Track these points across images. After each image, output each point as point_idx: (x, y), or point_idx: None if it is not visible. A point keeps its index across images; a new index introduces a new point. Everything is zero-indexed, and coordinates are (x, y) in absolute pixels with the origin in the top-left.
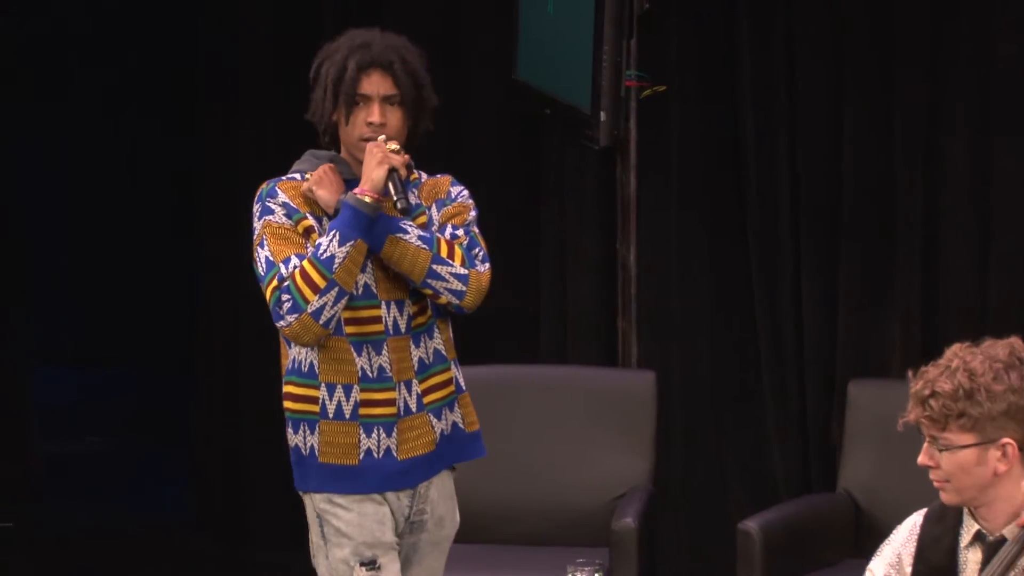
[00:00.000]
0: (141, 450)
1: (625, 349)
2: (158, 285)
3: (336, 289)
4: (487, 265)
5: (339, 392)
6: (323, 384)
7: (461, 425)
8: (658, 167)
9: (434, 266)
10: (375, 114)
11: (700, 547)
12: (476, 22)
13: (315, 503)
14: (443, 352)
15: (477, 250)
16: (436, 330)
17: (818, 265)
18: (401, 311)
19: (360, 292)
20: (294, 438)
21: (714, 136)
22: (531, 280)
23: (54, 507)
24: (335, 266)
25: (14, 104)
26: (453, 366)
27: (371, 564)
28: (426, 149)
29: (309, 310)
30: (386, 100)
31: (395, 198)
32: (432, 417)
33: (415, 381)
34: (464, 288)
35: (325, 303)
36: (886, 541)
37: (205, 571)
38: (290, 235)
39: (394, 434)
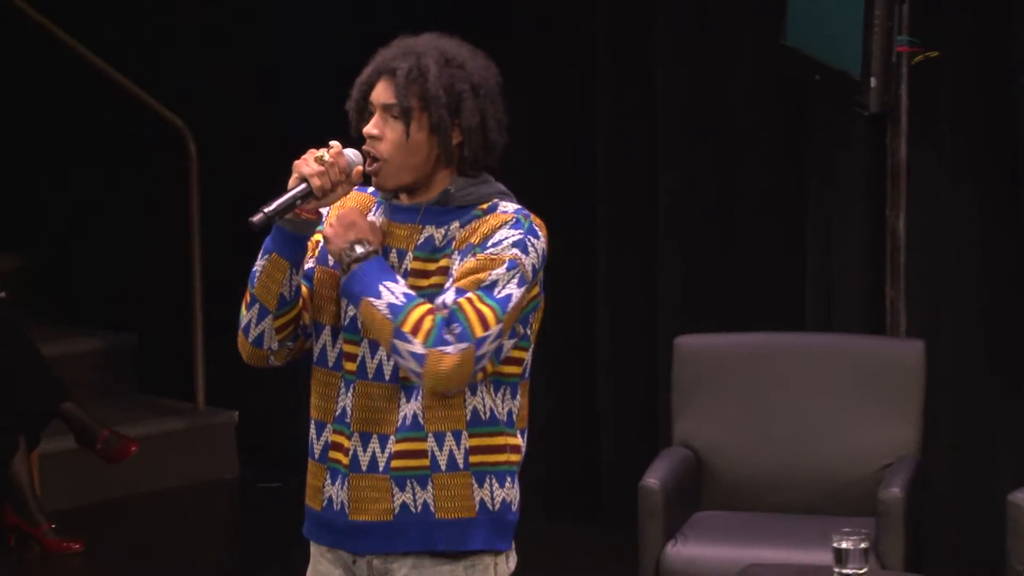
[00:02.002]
0: None
1: (894, 318)
2: None
3: (257, 305)
4: (462, 346)
5: (316, 429)
6: (312, 419)
7: (431, 508)
8: (929, 134)
9: (395, 340)
10: (370, 124)
11: (967, 519)
12: None
13: None
14: (420, 420)
15: (456, 327)
16: (420, 395)
17: None
18: (388, 355)
19: (347, 323)
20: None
21: (987, 103)
22: (797, 246)
23: None
24: (255, 280)
25: None
26: (432, 439)
27: None
28: (698, 118)
29: (241, 325)
30: (386, 110)
31: (273, 207)
32: (394, 484)
33: (392, 438)
34: (420, 370)
35: (251, 319)
36: None
37: None
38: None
39: (346, 488)
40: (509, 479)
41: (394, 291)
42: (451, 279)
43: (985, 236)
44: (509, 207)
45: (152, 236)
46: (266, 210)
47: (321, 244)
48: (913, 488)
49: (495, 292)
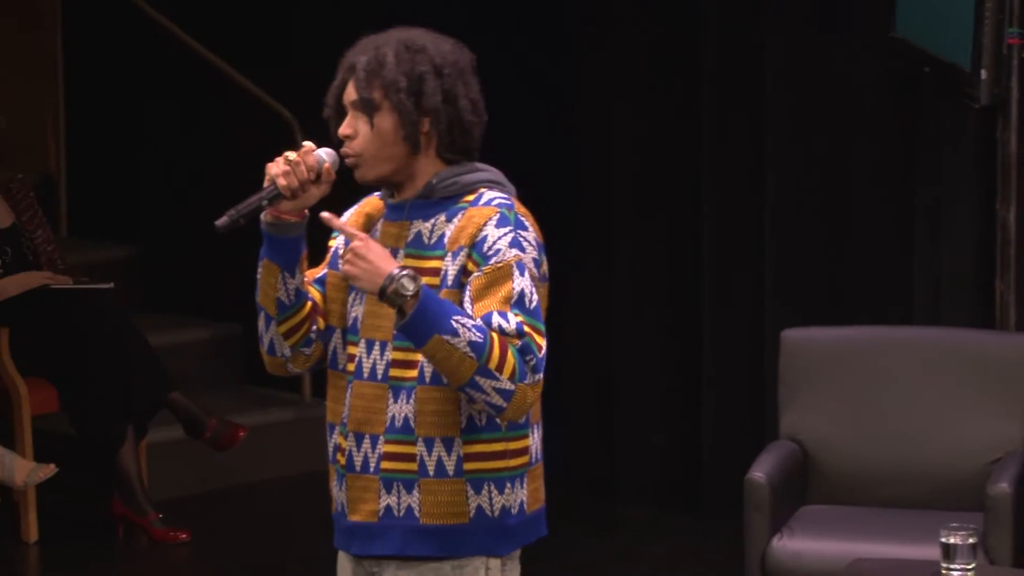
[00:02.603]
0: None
1: (1003, 312)
2: None
3: (262, 313)
4: (539, 375)
5: (328, 431)
6: (327, 422)
7: (416, 512)
8: None
9: (477, 377)
10: (343, 125)
11: None
12: None
13: None
14: (411, 424)
15: (531, 358)
16: (415, 399)
17: None
18: (382, 354)
19: (350, 325)
20: None
21: None
22: (906, 240)
23: None
24: (256, 288)
25: None
26: (422, 444)
27: None
28: (806, 111)
29: (258, 334)
30: (354, 107)
31: (240, 207)
32: (382, 486)
33: (382, 438)
34: (505, 404)
35: (261, 328)
36: None
37: (571, 525)
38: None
39: (344, 488)
40: (510, 484)
41: (467, 325)
42: (467, 296)
43: None
44: (494, 197)
45: (260, 228)
46: (232, 212)
47: (334, 249)
48: (1022, 483)
49: (526, 304)
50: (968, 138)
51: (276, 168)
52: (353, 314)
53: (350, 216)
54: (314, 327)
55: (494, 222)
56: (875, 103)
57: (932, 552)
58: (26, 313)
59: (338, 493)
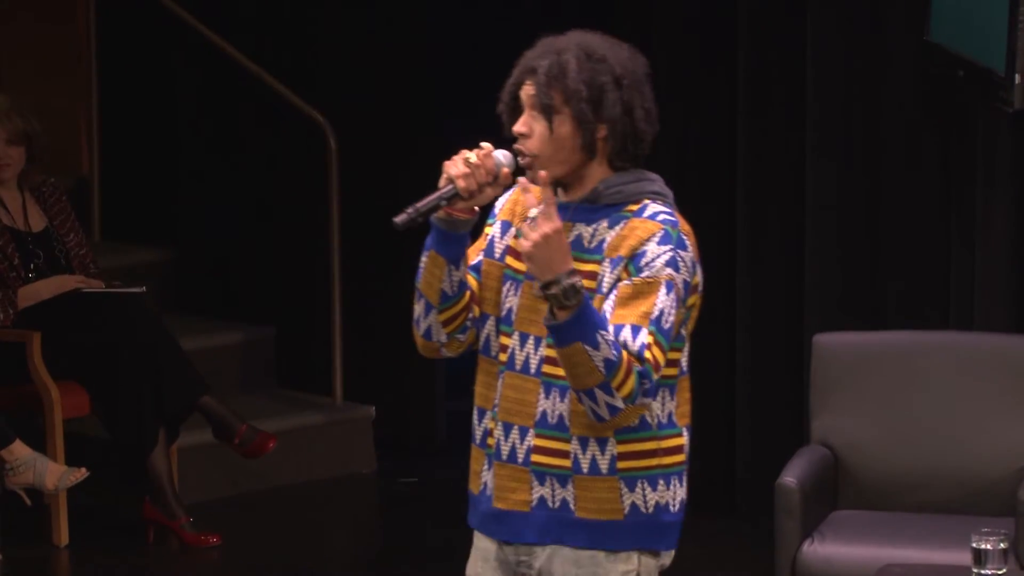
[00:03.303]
0: None
1: None
2: None
3: (423, 300)
4: (646, 400)
5: (477, 415)
6: (475, 406)
7: (571, 506)
8: None
9: (597, 390)
10: (519, 123)
11: None
12: None
13: None
14: (566, 421)
15: (646, 383)
16: (569, 396)
17: None
18: (536, 349)
19: (504, 315)
20: None
21: None
22: (941, 244)
23: (458, 464)
24: (419, 275)
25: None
26: (576, 442)
27: None
28: (844, 115)
29: (413, 317)
30: (532, 108)
31: (419, 205)
32: (534, 477)
33: (532, 431)
34: (608, 418)
35: (419, 313)
36: None
37: None
38: (479, 241)
39: (492, 473)
40: (663, 481)
41: (607, 340)
42: (610, 300)
43: None
44: (659, 211)
45: (291, 231)
46: (410, 210)
47: (490, 236)
48: None
49: (662, 323)
50: (1003, 142)
51: (455, 169)
52: (508, 304)
53: (505, 203)
54: (470, 315)
55: (657, 238)
56: (911, 107)
57: (963, 557)
58: (58, 317)
59: (485, 475)
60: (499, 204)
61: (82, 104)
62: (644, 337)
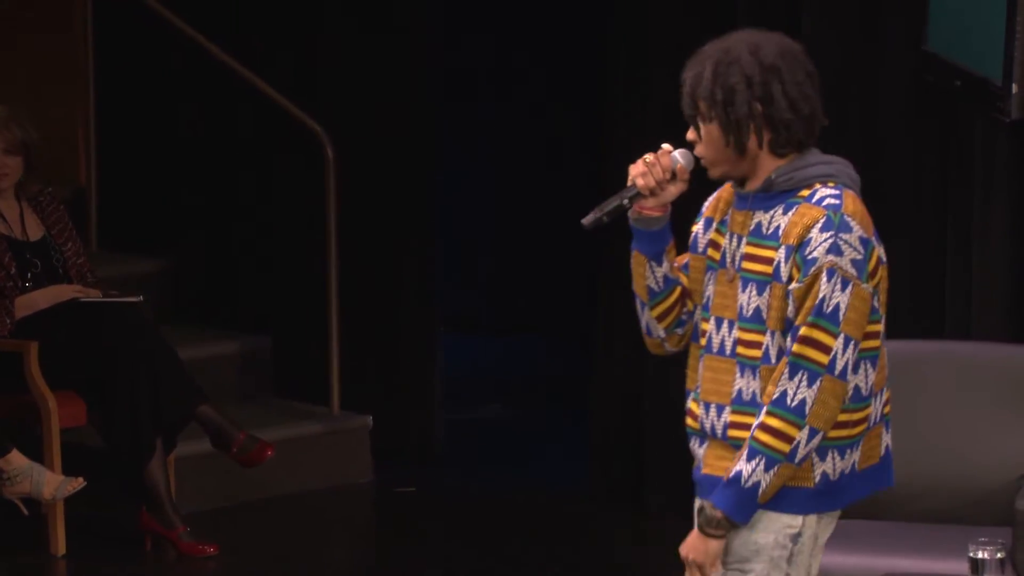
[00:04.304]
0: (542, 419)
1: None
2: (570, 258)
3: (636, 299)
4: (816, 384)
5: (686, 395)
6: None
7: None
8: None
9: (813, 439)
10: (689, 130)
11: None
12: None
13: None
14: (759, 399)
15: (801, 373)
16: (759, 376)
17: None
18: (730, 331)
19: (704, 303)
20: None
21: None
22: (938, 252)
23: (455, 474)
24: (632, 276)
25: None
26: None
27: None
28: (839, 123)
29: (638, 317)
30: (690, 117)
31: (603, 206)
32: (734, 450)
33: (728, 408)
34: (825, 427)
35: (638, 312)
36: None
37: (602, 539)
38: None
39: (704, 447)
40: (850, 449)
41: (750, 471)
42: (791, 303)
43: None
44: (825, 196)
45: (289, 240)
46: (596, 210)
47: (695, 233)
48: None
49: (824, 309)
50: (1000, 151)
51: (635, 169)
52: (707, 292)
53: (711, 201)
54: (684, 310)
55: (819, 225)
56: (908, 116)
57: (960, 567)
58: (55, 326)
59: (697, 451)
60: (706, 203)
61: (80, 113)
62: (808, 333)
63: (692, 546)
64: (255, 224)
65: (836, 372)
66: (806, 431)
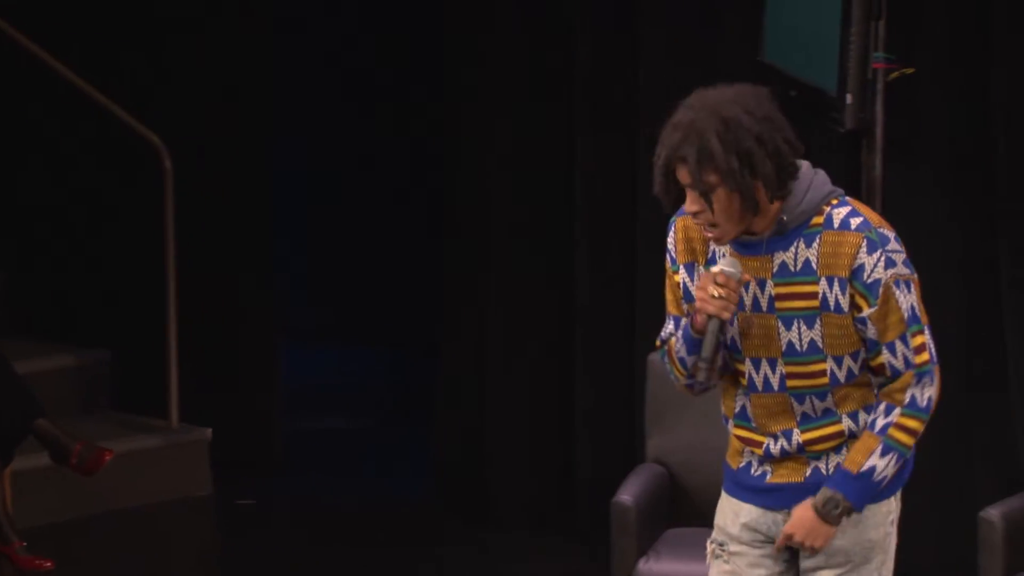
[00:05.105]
0: (384, 431)
1: None
2: (410, 267)
3: (698, 360)
4: (936, 381)
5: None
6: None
7: (842, 464)
8: (905, 151)
9: (912, 447)
10: (688, 202)
11: (942, 534)
12: (725, 4)
13: None
14: (834, 409)
15: (927, 380)
16: (831, 395)
17: None
18: (773, 369)
19: (730, 342)
20: None
21: (963, 118)
22: None
23: (296, 486)
24: (676, 365)
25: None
26: (847, 419)
27: (721, 545)
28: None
29: (677, 383)
30: (692, 189)
31: (702, 353)
32: (812, 459)
33: (796, 431)
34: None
35: (679, 380)
36: None
37: (445, 551)
38: (670, 285)
39: (766, 463)
40: None
41: (880, 467)
42: (869, 329)
43: (963, 251)
44: (846, 219)
45: (126, 253)
46: (706, 357)
47: (682, 284)
48: None
49: (910, 316)
50: (835, 162)
51: (712, 307)
52: (730, 334)
53: (676, 245)
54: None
55: (864, 249)
56: None
57: None
58: None
59: (754, 465)
60: (672, 247)
61: None
62: (911, 340)
63: (810, 529)
64: (93, 237)
65: (936, 358)
66: (913, 425)
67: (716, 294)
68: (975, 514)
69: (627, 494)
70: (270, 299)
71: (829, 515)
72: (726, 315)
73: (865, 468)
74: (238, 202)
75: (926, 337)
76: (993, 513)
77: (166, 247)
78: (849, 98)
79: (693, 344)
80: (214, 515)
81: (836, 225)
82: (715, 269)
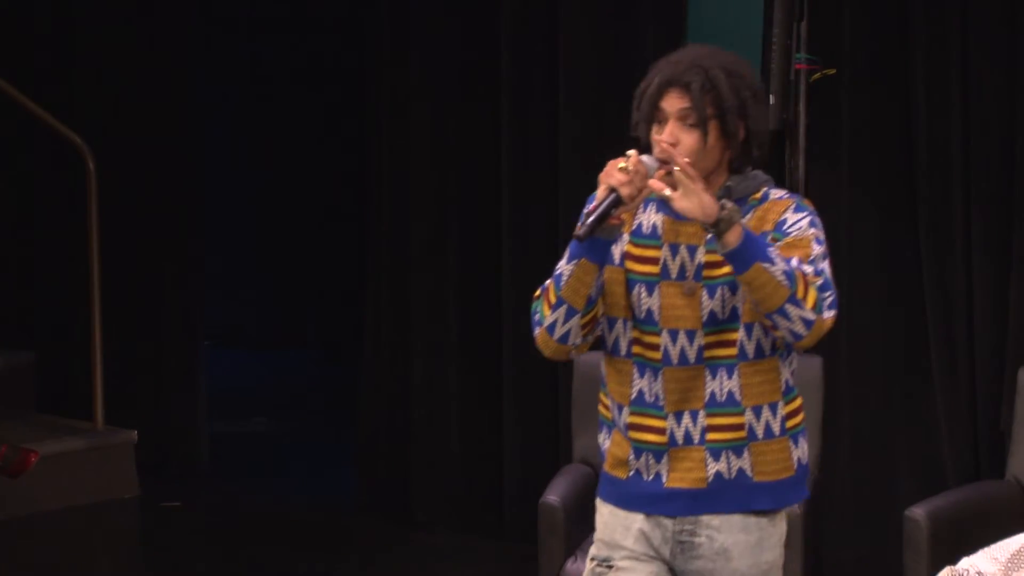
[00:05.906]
0: (309, 432)
1: None
2: (335, 271)
3: (564, 306)
4: (833, 312)
5: (616, 410)
6: (611, 397)
7: (748, 473)
8: (827, 151)
9: (787, 305)
10: (665, 132)
11: (867, 533)
12: (646, 4)
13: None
14: (737, 397)
15: (828, 295)
16: (738, 373)
17: (990, 251)
18: (691, 341)
19: (643, 317)
20: (600, 439)
21: (885, 120)
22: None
23: (221, 487)
24: (562, 283)
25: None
26: (750, 413)
27: (604, 562)
28: (595, 129)
29: (545, 324)
30: (681, 119)
31: (591, 230)
32: (709, 455)
33: (702, 412)
34: (805, 333)
35: (556, 319)
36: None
37: (369, 552)
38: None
39: (664, 460)
40: (803, 437)
41: (778, 255)
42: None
43: (885, 251)
44: (781, 193)
45: (50, 255)
46: (589, 221)
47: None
48: (812, 504)
49: (818, 266)
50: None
51: (614, 179)
52: (645, 306)
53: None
54: (598, 316)
55: (792, 208)
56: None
57: None
58: None
59: (651, 465)
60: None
61: None
62: (809, 267)
63: (695, 191)
64: (16, 239)
65: (836, 298)
66: (809, 301)
67: (624, 166)
68: (900, 513)
69: (554, 494)
70: (194, 301)
71: (723, 206)
72: (625, 191)
73: (770, 248)
74: (162, 204)
75: (829, 276)
76: (918, 512)
77: (90, 249)
78: (772, 99)
79: (576, 249)
80: (140, 517)
81: (772, 198)
82: (633, 152)
